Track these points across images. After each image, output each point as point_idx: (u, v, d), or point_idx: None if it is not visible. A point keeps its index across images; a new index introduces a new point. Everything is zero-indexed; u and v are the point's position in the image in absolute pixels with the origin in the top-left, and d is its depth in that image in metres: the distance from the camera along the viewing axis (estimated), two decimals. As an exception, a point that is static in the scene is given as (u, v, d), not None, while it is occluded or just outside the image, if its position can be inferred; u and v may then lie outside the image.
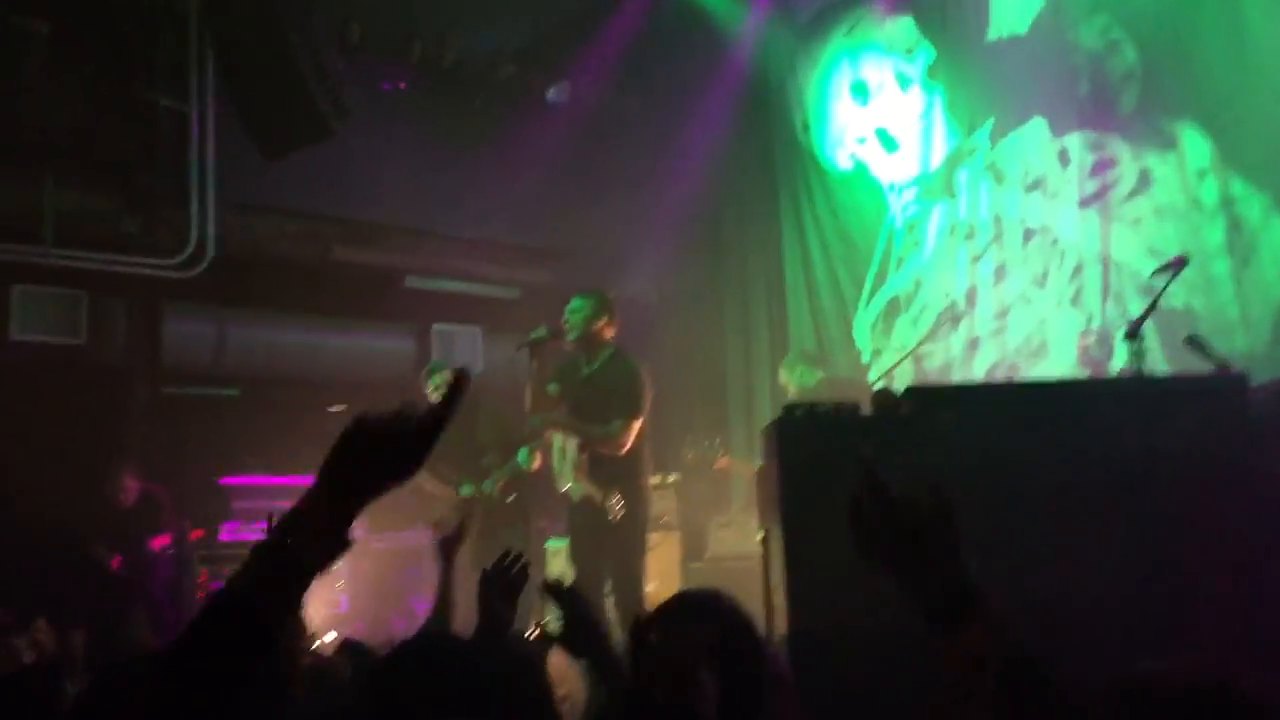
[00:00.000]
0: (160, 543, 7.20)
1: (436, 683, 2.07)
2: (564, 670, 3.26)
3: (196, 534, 7.38)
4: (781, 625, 3.74)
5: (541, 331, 5.75)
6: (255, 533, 7.38)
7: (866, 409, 3.94)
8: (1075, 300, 7.40)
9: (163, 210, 7.65)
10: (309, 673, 2.99)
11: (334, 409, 7.72)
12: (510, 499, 6.59)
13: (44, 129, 7.50)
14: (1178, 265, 4.57)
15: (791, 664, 3.18)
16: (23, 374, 7.47)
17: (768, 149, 9.33)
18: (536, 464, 6.39)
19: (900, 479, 1.55)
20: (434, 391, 6.80)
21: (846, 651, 3.41)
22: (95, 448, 7.35)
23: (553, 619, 2.60)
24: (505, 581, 2.73)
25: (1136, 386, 3.96)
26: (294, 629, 2.73)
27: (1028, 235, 7.61)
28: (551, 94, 9.40)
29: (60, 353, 7.33)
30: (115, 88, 7.61)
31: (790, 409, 4.00)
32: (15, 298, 7.12)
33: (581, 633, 2.41)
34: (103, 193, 7.58)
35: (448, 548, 3.39)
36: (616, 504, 5.60)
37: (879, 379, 7.87)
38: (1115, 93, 7.19)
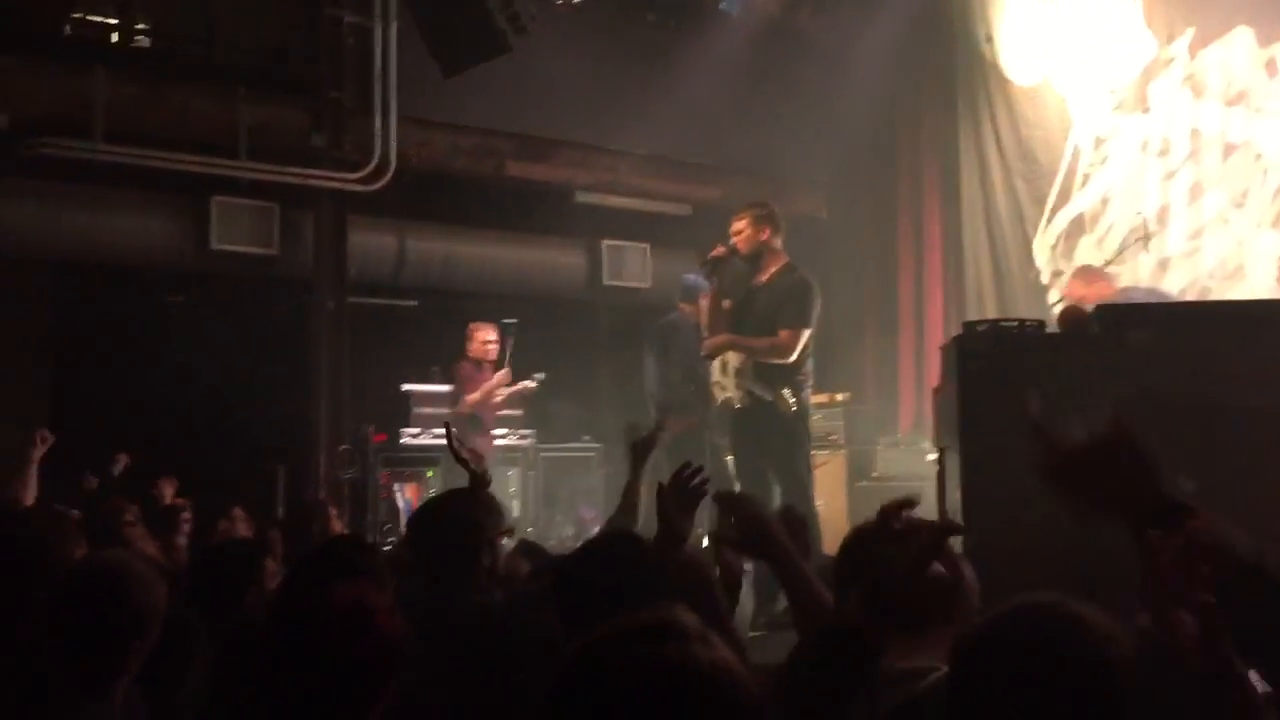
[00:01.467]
0: None
1: (616, 577, 2.16)
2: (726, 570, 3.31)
3: (380, 437, 7.71)
4: (956, 545, 3.72)
5: (720, 250, 5.78)
6: (433, 438, 7.67)
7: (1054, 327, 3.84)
8: (1277, 221, 7.01)
9: (348, 125, 7.89)
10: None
11: (507, 321, 7.94)
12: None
13: (237, 46, 7.81)
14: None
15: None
16: (222, 282, 7.89)
17: (948, 61, 9.01)
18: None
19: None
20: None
21: (1022, 567, 3.37)
22: (288, 352, 7.74)
23: (724, 524, 2.63)
24: (684, 493, 2.73)
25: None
26: (497, 523, 2.88)
27: (1228, 151, 7.21)
28: (724, 5, 9.26)
29: (255, 262, 7.69)
30: (304, 5, 7.85)
31: (971, 325, 3.93)
32: (214, 209, 7.47)
33: (757, 534, 2.44)
34: (293, 108, 7.86)
35: (639, 451, 3.43)
36: (789, 397, 5.59)
37: (1059, 301, 7.62)
38: (1333, -4, 6.71)
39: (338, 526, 5.22)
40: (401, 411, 7.93)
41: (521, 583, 3.19)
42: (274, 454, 7.60)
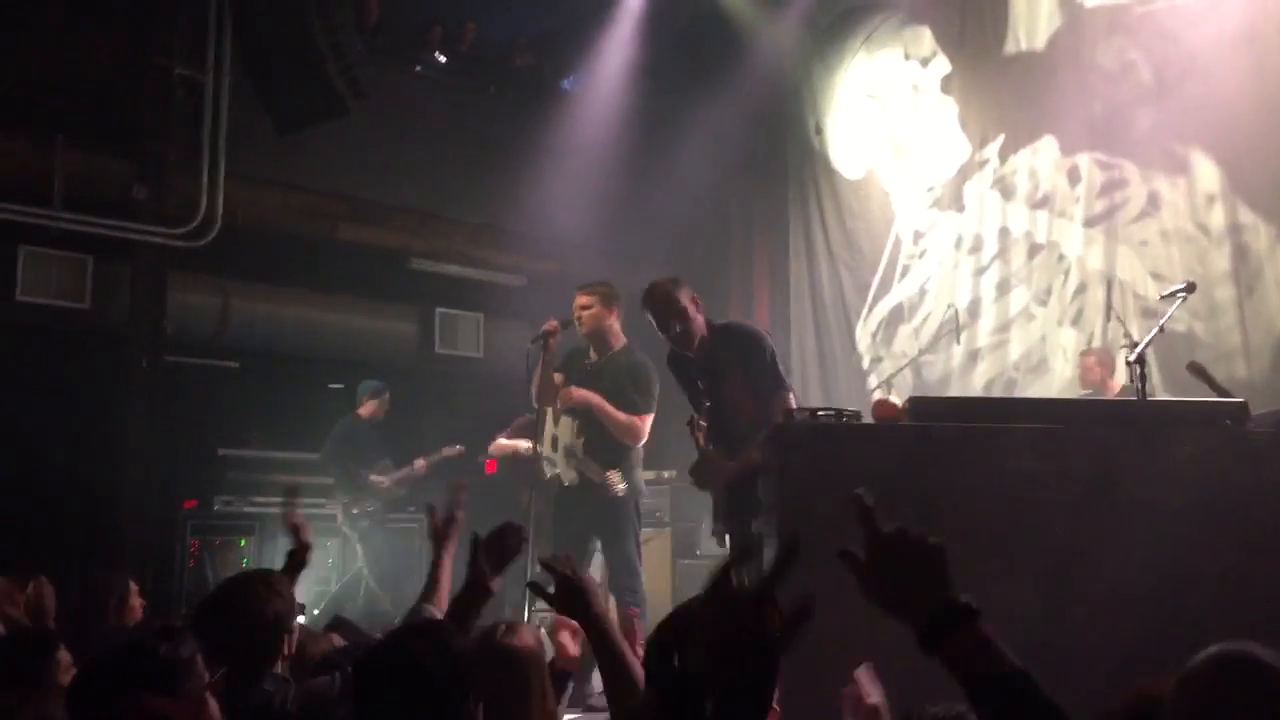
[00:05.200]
0: None
1: (420, 672, 2.07)
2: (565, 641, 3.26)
3: (190, 504, 7.39)
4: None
5: (552, 324, 5.74)
6: (250, 505, 7.39)
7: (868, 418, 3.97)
8: (1077, 319, 7.44)
9: (173, 179, 7.65)
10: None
11: (333, 386, 7.76)
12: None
13: (58, 90, 7.49)
14: (1186, 290, 4.60)
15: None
16: (27, 335, 7.47)
17: (780, 150, 9.35)
18: None
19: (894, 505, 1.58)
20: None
21: (834, 657, 3.43)
22: (97, 411, 7.36)
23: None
24: (500, 549, 2.77)
25: (1137, 409, 3.99)
26: (283, 607, 2.76)
27: (1033, 251, 7.64)
28: (566, 84, 9.41)
29: (65, 316, 7.32)
30: (133, 53, 7.60)
31: (791, 414, 4.02)
32: (22, 259, 7.11)
33: (572, 596, 2.43)
34: (114, 158, 7.58)
35: (444, 531, 3.34)
36: (617, 479, 5.61)
37: (878, 387, 7.90)
38: (1129, 114, 7.22)
39: (138, 602, 4.93)
40: (217, 477, 7.62)
41: (321, 667, 3.05)
42: (75, 519, 7.18)
